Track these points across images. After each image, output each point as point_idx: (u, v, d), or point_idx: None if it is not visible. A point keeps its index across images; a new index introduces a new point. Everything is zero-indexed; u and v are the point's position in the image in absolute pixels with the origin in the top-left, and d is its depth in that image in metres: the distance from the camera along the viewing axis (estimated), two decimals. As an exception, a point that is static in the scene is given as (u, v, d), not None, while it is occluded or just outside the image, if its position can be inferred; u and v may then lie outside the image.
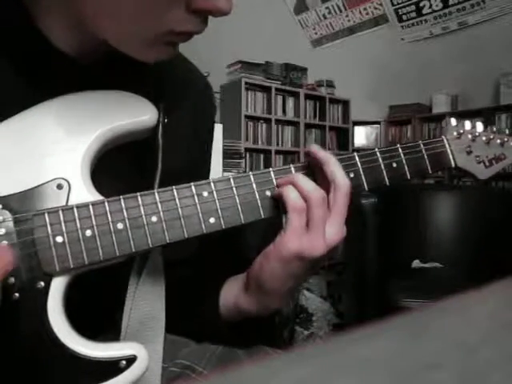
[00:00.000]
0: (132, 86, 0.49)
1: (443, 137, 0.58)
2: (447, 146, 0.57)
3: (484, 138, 0.59)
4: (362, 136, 4.46)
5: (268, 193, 0.48)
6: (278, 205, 0.48)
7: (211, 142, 0.69)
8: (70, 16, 0.47)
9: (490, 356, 0.14)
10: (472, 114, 3.66)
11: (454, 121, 0.59)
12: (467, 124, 0.59)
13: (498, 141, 0.60)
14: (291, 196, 0.46)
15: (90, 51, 0.51)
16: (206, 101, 0.66)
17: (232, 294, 0.54)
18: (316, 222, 0.46)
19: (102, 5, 0.42)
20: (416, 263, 1.92)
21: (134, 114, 0.48)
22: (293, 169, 0.50)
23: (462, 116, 3.74)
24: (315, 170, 0.50)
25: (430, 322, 0.17)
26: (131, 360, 0.42)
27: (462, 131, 0.58)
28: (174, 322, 0.52)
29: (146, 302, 0.49)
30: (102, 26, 0.45)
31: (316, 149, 0.49)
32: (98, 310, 0.52)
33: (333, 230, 0.47)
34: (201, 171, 0.66)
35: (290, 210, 0.46)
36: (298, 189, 0.46)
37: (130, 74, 0.53)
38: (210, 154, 0.69)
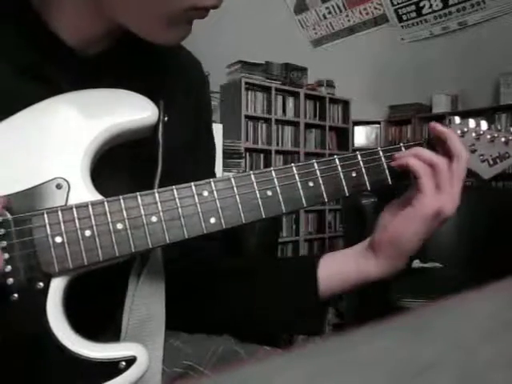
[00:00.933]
0: (133, 84, 0.49)
1: None
2: None
3: (488, 137, 0.58)
4: (362, 136, 4.45)
5: (269, 192, 0.48)
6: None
7: (210, 118, 0.69)
8: (84, 4, 0.47)
9: (490, 356, 0.14)
10: (472, 114, 3.66)
11: (457, 119, 0.59)
12: (471, 122, 0.59)
13: (503, 139, 0.59)
14: (417, 163, 0.52)
15: (95, 45, 0.51)
16: (194, 79, 0.66)
17: (348, 265, 0.56)
18: (446, 183, 0.51)
19: None
20: (416, 263, 1.92)
21: (135, 112, 0.48)
22: (294, 168, 0.49)
23: (461, 116, 3.72)
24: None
25: (429, 321, 0.17)
26: (131, 361, 0.42)
27: (466, 129, 0.58)
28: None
29: (145, 303, 0.49)
30: (122, 9, 0.45)
31: (439, 126, 0.55)
32: (97, 310, 0.52)
33: (457, 194, 0.52)
34: (204, 152, 0.66)
35: (422, 174, 0.51)
36: (422, 158, 0.52)
37: (129, 70, 0.53)
38: (212, 133, 0.69)
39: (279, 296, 0.57)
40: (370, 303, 1.77)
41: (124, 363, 0.42)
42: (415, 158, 0.52)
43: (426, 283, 1.76)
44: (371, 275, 0.55)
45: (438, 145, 0.54)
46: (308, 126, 4.08)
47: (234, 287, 0.59)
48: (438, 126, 0.55)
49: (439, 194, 0.51)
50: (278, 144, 3.87)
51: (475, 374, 0.13)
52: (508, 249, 1.74)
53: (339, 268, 0.56)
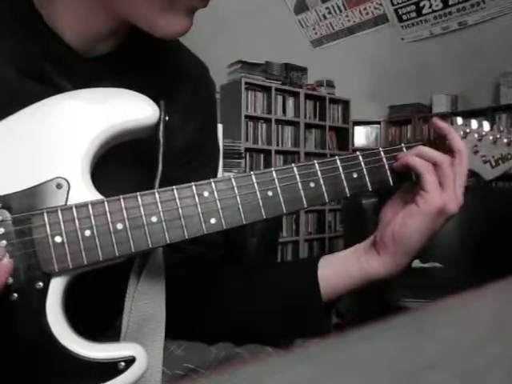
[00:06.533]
0: (134, 83, 0.49)
1: None
2: None
3: (491, 138, 0.58)
4: (362, 136, 4.45)
5: (270, 193, 0.47)
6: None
7: (215, 122, 0.69)
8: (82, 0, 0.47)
9: (489, 356, 0.14)
10: (472, 114, 3.65)
11: (460, 120, 0.58)
12: (474, 123, 0.58)
13: (505, 140, 0.59)
14: (419, 161, 0.52)
15: (99, 46, 0.51)
16: (203, 83, 0.66)
17: (351, 264, 0.55)
18: (449, 180, 0.51)
19: None
20: (416, 263, 1.92)
21: (135, 112, 0.47)
22: (295, 169, 0.49)
23: (461, 116, 3.72)
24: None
25: (429, 322, 0.17)
26: (130, 361, 0.42)
27: (468, 130, 0.57)
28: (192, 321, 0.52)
29: (145, 303, 0.49)
30: None
31: (440, 122, 0.55)
32: (97, 310, 0.52)
33: (460, 192, 0.52)
34: (205, 155, 0.65)
35: (424, 171, 0.51)
36: (424, 156, 0.52)
37: (131, 71, 0.53)
38: (216, 136, 0.68)
39: (279, 299, 0.57)
40: (369, 303, 1.77)
41: (123, 364, 0.42)
42: (417, 156, 0.52)
43: (426, 283, 1.76)
44: (375, 273, 0.54)
45: (439, 143, 0.54)
46: (308, 125, 4.08)
47: (233, 292, 0.58)
48: (439, 122, 0.56)
49: (442, 191, 0.51)
50: (278, 144, 3.87)
51: (475, 374, 0.13)
52: (508, 249, 1.74)
53: (342, 268, 0.55)
